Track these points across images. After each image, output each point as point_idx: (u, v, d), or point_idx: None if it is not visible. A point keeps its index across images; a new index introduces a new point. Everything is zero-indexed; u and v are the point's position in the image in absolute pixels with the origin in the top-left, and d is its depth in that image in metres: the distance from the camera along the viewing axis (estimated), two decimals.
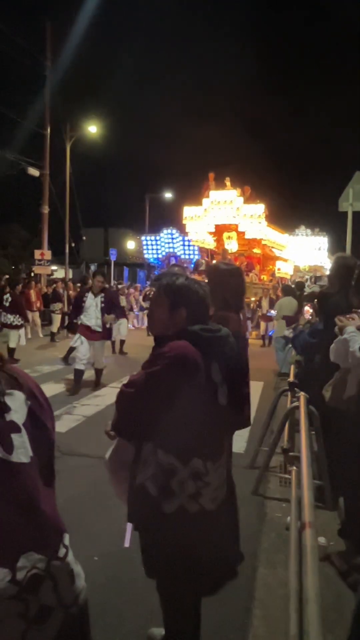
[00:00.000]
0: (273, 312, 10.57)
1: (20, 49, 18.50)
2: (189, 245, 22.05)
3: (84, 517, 3.64)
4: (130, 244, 51.15)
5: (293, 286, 11.65)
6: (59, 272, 33.17)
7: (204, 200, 17.84)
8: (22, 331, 10.68)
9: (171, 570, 1.94)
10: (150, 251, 25.85)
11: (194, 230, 19.03)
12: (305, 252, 32.31)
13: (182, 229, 20.01)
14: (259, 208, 16.52)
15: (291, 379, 5.27)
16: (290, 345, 6.56)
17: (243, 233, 17.04)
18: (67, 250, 24.30)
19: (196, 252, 21.30)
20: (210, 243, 19.53)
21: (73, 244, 26.37)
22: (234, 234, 17.68)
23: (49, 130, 20.67)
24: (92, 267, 31.32)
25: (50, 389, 7.88)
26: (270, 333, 13.12)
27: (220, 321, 2.22)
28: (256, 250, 17.99)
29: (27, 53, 19.09)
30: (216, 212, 17.55)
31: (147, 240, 26.60)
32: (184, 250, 22.81)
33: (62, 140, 23.05)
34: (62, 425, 6.03)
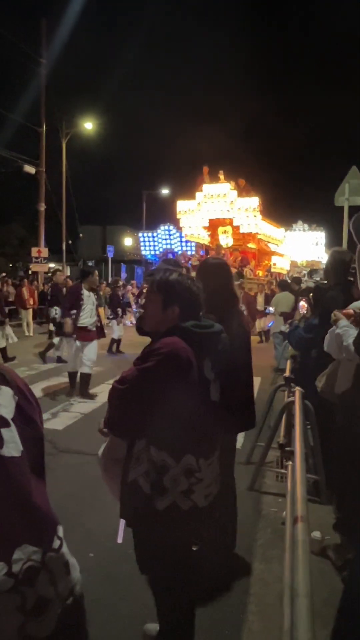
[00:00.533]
0: (271, 309, 10.49)
1: (15, 47, 18.47)
2: (186, 242, 21.93)
3: (81, 514, 3.64)
4: (128, 241, 51.13)
5: (290, 281, 11.65)
6: None
7: (197, 194, 17.49)
8: (8, 329, 10.24)
9: (164, 567, 1.95)
10: (147, 248, 25.76)
11: (188, 225, 18.63)
12: (303, 247, 32.32)
13: (178, 225, 19.76)
14: (253, 201, 16.15)
15: (287, 374, 5.27)
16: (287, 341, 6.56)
17: (238, 227, 16.68)
18: (64, 248, 24.27)
19: (193, 249, 21.14)
20: (204, 238, 19.13)
21: (70, 242, 26.33)
22: (229, 229, 17.20)
23: (44, 127, 20.60)
24: (90, 265, 31.29)
25: (47, 387, 7.88)
26: (269, 325, 12.93)
27: None
28: (251, 245, 17.63)
29: (22, 51, 19.04)
30: (210, 206, 17.15)
31: (144, 237, 26.51)
32: (181, 246, 22.67)
33: (58, 138, 23.06)
34: (59, 422, 6.03)
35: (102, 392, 7.48)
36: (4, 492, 1.15)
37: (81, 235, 33.87)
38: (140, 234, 28.01)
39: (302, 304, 5.26)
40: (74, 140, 24.11)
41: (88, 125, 23.55)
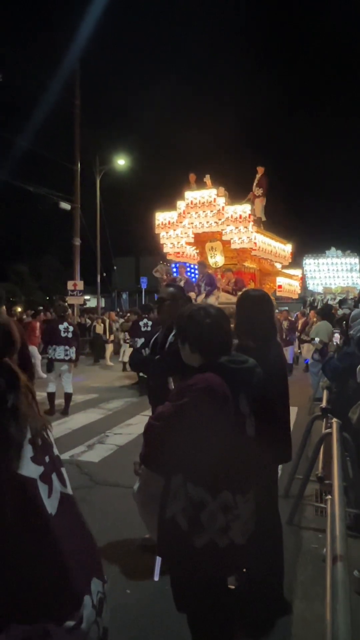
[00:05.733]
0: (316, 340, 10.13)
1: (50, 89, 19.39)
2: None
3: (117, 548, 3.62)
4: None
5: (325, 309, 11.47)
6: (91, 301, 33.78)
7: (179, 203, 14.05)
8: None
9: (201, 605, 1.93)
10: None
11: (169, 242, 15.29)
12: (337, 274, 32.10)
13: (157, 241, 16.09)
14: (245, 209, 12.86)
15: (324, 404, 5.18)
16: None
17: (229, 242, 13.10)
18: (98, 281, 24.78)
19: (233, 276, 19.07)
20: (191, 256, 16.10)
21: (104, 274, 26.85)
22: (217, 244, 13.68)
23: (79, 165, 21.34)
24: (124, 296, 31.72)
25: (84, 418, 7.96)
26: (306, 362, 12.50)
27: None
28: (249, 264, 14.22)
29: (57, 93, 19.96)
30: (194, 217, 13.68)
31: (176, 268, 26.71)
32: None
33: (92, 174, 23.87)
34: (95, 454, 6.07)
35: (137, 423, 7.50)
36: (74, 527, 1.20)
37: (115, 267, 34.49)
38: (172, 265, 28.30)
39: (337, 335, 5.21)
40: (107, 174, 24.91)
41: (121, 162, 24.34)
